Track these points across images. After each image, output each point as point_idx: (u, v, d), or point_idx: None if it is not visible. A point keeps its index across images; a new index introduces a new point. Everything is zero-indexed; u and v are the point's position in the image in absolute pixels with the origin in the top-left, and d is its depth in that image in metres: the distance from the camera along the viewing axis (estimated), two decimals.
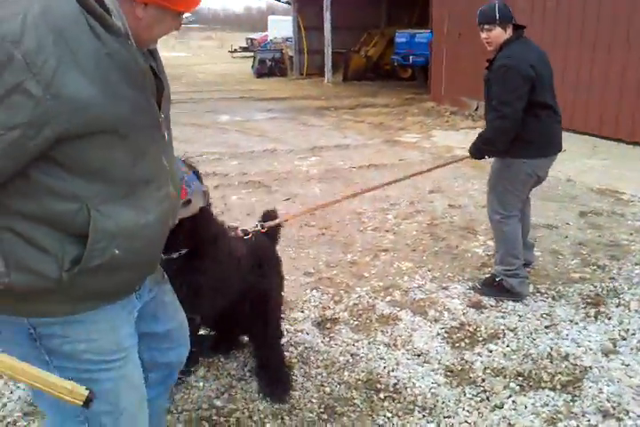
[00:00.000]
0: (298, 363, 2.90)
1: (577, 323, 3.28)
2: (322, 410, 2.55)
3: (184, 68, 23.11)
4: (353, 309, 3.44)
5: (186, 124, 10.00)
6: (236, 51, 31.13)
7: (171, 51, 39.66)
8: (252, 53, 22.68)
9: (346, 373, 2.82)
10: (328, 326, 3.25)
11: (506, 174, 3.46)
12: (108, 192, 1.23)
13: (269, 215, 2.84)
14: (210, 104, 12.58)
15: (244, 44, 31.89)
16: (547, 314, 3.37)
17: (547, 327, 3.23)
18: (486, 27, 3.33)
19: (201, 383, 2.72)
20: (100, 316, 1.36)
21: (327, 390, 2.69)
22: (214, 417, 2.50)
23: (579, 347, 3.03)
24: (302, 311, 3.41)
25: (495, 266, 3.63)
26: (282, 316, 2.79)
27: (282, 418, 2.50)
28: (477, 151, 3.46)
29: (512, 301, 3.51)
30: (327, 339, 3.12)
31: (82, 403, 1.20)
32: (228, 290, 2.33)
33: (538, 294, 3.62)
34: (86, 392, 1.22)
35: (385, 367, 2.86)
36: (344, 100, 13.02)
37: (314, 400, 2.62)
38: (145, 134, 1.27)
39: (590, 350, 3.01)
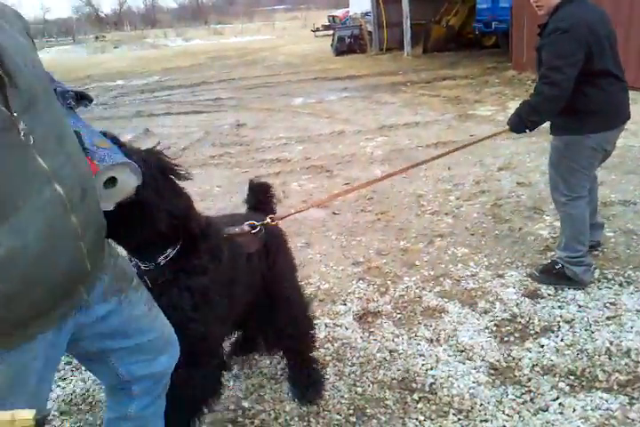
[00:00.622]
0: (332, 360, 2.80)
1: None
2: (350, 412, 2.45)
3: (267, 52, 23.28)
4: (398, 301, 3.29)
5: (259, 109, 10.05)
6: (318, 29, 30.85)
7: (255, 34, 40.12)
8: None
9: (381, 371, 2.69)
10: (369, 319, 3.13)
11: (568, 152, 3.13)
12: None
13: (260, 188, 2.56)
14: (285, 87, 12.54)
15: (327, 22, 31.55)
16: (611, 303, 3.08)
17: (608, 319, 2.94)
18: None
19: (231, 382, 2.68)
20: None
21: (359, 390, 2.58)
22: (239, 419, 2.46)
23: None
24: (345, 304, 3.30)
25: (558, 251, 3.33)
26: (310, 314, 2.66)
27: (308, 421, 2.42)
28: (519, 123, 3.11)
29: (573, 289, 3.23)
30: (366, 334, 3.00)
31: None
32: (244, 294, 2.16)
33: (604, 281, 3.31)
34: (31, 414, 1.17)
35: (423, 365, 2.71)
36: (421, 74, 12.59)
37: (343, 401, 2.52)
38: None
39: None
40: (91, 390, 2.73)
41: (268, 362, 2.82)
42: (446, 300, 3.25)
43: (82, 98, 1.53)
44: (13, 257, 1.14)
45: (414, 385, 2.58)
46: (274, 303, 2.35)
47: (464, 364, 2.70)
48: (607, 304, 3.07)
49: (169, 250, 1.78)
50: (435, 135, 7.00)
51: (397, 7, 16.77)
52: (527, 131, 3.14)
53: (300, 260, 3.89)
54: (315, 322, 3.05)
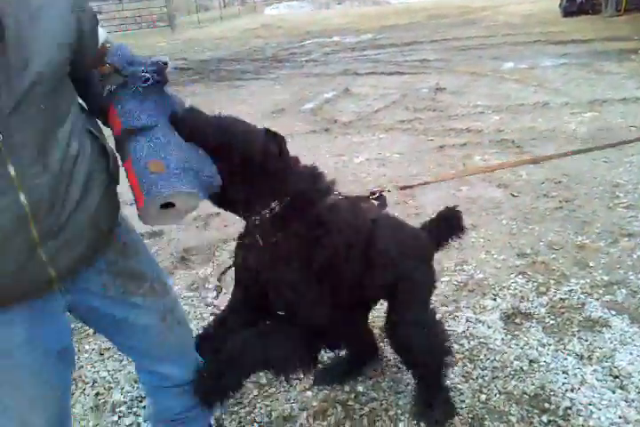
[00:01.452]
0: (463, 359, 2.60)
1: None
2: (468, 419, 2.26)
3: (488, 11, 22.02)
4: (556, 305, 2.94)
5: (463, 72, 9.57)
6: None
7: None
8: None
9: (513, 381, 2.44)
10: (517, 321, 2.84)
11: None
12: None
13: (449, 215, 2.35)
14: (498, 50, 11.76)
15: None
16: None
17: None
18: None
19: None
20: None
21: (483, 397, 2.37)
22: (350, 402, 2.40)
23: None
24: (494, 299, 3.03)
25: None
26: (439, 320, 2.36)
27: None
28: None
29: None
30: (509, 337, 2.73)
31: None
32: (364, 276, 1.90)
33: None
34: None
35: (564, 384, 2.40)
36: None
37: (463, 406, 2.33)
38: None
39: None
40: None
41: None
42: (613, 313, 2.83)
43: (158, 75, 1.43)
44: None
45: (546, 405, 2.30)
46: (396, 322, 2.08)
47: (614, 392, 2.33)
48: None
49: (273, 204, 1.68)
50: None
51: None
52: None
53: (460, 242, 3.65)
54: (454, 314, 2.87)
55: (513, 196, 4.35)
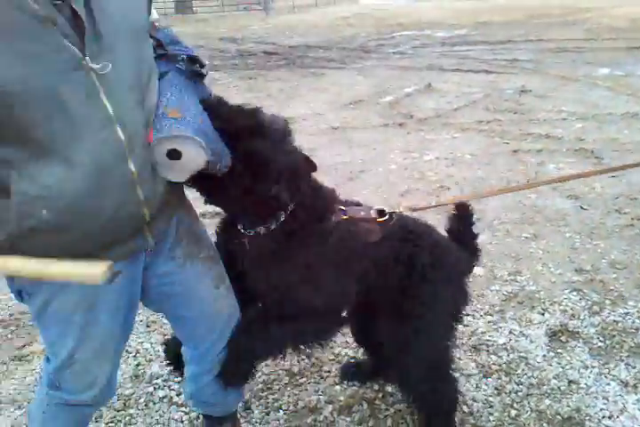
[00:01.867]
0: (499, 371, 2.53)
1: None
2: None
3: (593, 12, 21.07)
4: (607, 327, 2.81)
5: (554, 75, 9.21)
6: None
7: None
8: None
9: (548, 400, 2.36)
10: (563, 339, 2.74)
11: None
12: (28, 152, 1.22)
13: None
14: (595, 54, 11.24)
15: None
16: None
17: None
18: None
19: None
20: None
21: (513, 413, 2.31)
22: (377, 402, 2.40)
23: None
24: (543, 314, 2.93)
25: None
26: (451, 372, 2.12)
27: None
28: None
29: None
30: (551, 354, 2.64)
31: (104, 278, 1.32)
32: (351, 281, 1.82)
33: None
34: (105, 266, 1.32)
35: (602, 410, 2.30)
36: None
37: (492, 418, 2.28)
38: (55, 82, 1.19)
39: None
40: None
41: None
42: None
43: (194, 62, 1.52)
44: (61, 189, 1.25)
45: None
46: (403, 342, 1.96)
47: None
48: None
49: (271, 220, 1.67)
50: None
51: None
52: None
53: (517, 252, 3.56)
54: (498, 324, 2.81)
55: (582, 208, 4.18)
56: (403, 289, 1.89)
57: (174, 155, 1.35)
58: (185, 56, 1.49)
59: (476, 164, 5.18)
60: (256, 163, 1.51)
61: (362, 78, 9.48)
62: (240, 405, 2.32)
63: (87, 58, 1.22)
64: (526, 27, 16.90)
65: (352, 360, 2.62)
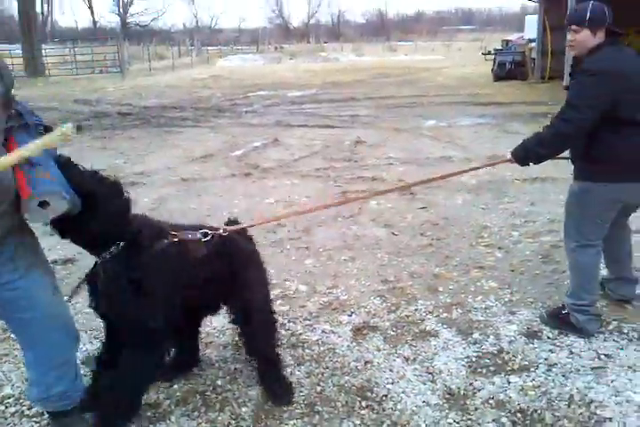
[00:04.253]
0: (310, 361, 3.09)
1: (636, 370, 2.91)
2: (303, 405, 2.73)
3: (429, 72, 23.54)
4: (400, 320, 3.48)
5: (387, 128, 10.41)
6: (489, 53, 30.40)
7: (428, 54, 40.29)
8: None
9: (347, 377, 2.94)
10: (364, 332, 3.36)
11: (582, 198, 3.14)
12: None
13: (233, 222, 3.03)
14: (425, 109, 12.76)
15: (499, 46, 31.04)
16: (606, 355, 3.04)
17: (592, 369, 2.92)
18: (573, 28, 3.04)
19: (217, 364, 3.08)
20: None
21: (318, 388, 2.85)
22: (208, 393, 2.84)
23: (615, 396, 2.71)
24: (350, 315, 3.56)
25: (565, 297, 3.34)
26: (276, 326, 2.92)
27: (260, 402, 2.74)
28: (524, 153, 3.13)
29: (577, 336, 3.22)
30: (354, 344, 3.24)
31: (74, 131, 1.83)
32: (185, 292, 2.46)
33: (616, 333, 3.24)
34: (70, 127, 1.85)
35: (386, 378, 2.91)
36: None
37: (301, 394, 2.80)
38: None
39: (628, 402, 2.67)
40: None
41: None
42: (445, 326, 3.39)
43: (48, 130, 2.08)
44: None
45: (368, 394, 2.80)
46: (239, 314, 2.75)
47: (424, 384, 2.86)
48: (602, 355, 3.04)
49: (112, 248, 2.26)
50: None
51: (565, 35, 16.19)
52: (531, 164, 3.18)
53: (336, 272, 4.21)
54: (313, 326, 3.38)
55: (394, 234, 4.96)
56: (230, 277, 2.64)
57: (44, 205, 1.90)
58: (42, 126, 2.07)
59: (310, 204, 5.88)
60: (94, 208, 2.11)
61: (214, 135, 10.14)
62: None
63: None
64: (370, 86, 18.58)
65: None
